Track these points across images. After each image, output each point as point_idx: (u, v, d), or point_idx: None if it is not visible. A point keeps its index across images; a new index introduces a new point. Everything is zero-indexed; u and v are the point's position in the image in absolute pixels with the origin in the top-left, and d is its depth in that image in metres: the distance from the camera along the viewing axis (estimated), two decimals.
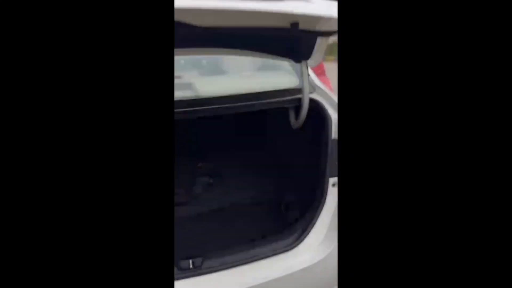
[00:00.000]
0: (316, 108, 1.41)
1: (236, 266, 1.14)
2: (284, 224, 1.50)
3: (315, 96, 1.49)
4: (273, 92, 1.52)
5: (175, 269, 1.10)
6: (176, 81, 1.72)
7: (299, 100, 1.42)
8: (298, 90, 1.42)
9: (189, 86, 1.64)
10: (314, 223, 1.22)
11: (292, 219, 1.49)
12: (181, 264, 1.12)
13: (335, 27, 1.08)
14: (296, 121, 1.48)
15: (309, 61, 1.34)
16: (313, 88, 1.59)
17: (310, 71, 1.65)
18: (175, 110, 1.21)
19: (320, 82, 1.65)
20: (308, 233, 1.21)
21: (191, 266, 1.12)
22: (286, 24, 1.04)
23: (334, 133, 1.28)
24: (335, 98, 1.45)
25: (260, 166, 2.03)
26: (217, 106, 1.34)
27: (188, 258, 1.14)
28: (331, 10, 0.96)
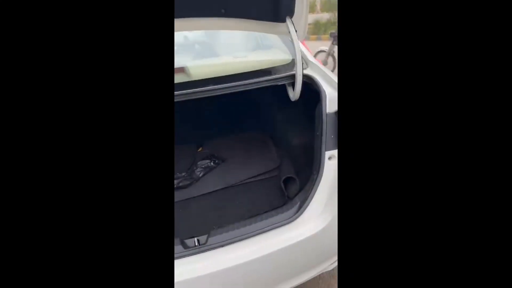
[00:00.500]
0: (310, 83, 1.42)
1: (239, 241, 1.17)
2: (285, 199, 1.54)
3: (308, 71, 1.50)
4: (268, 70, 1.53)
5: (181, 248, 1.14)
6: None
7: (294, 76, 1.43)
8: (292, 66, 1.43)
9: (182, 69, 1.64)
10: (312, 196, 1.25)
11: (292, 193, 1.52)
12: (187, 242, 1.16)
13: None
14: (294, 94, 1.49)
15: (298, 33, 1.34)
16: (306, 64, 1.60)
17: (303, 47, 1.65)
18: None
19: (313, 58, 1.65)
20: (307, 206, 1.24)
21: (196, 244, 1.16)
22: None
23: (328, 107, 1.30)
24: (328, 72, 1.45)
25: (259, 144, 2.06)
26: (212, 88, 1.35)
27: (193, 237, 1.18)
28: None
